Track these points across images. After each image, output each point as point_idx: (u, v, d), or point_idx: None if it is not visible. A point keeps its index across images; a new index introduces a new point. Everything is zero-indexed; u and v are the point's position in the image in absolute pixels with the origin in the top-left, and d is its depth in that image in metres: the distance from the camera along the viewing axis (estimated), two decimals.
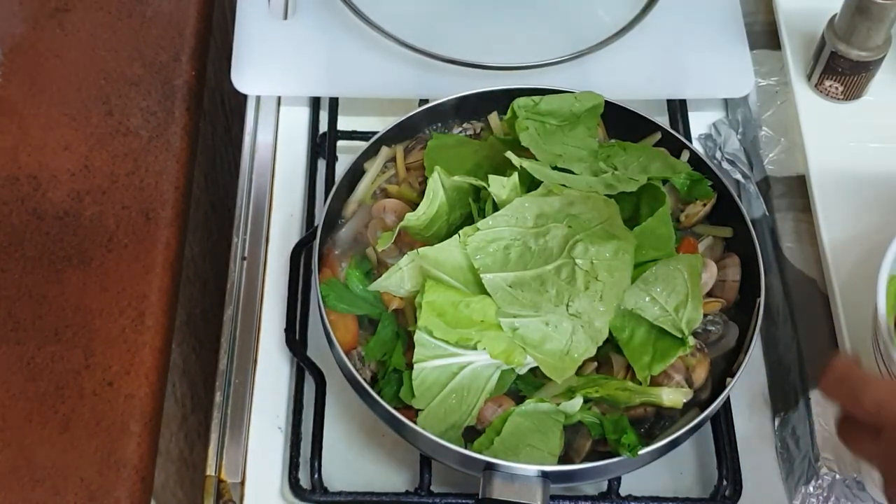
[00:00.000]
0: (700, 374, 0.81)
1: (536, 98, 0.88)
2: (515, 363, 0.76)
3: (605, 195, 0.82)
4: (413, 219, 0.81)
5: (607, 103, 0.92)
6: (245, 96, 1.03)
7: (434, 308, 0.76)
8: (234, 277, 0.95)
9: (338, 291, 0.83)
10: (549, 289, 0.77)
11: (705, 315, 0.83)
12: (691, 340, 0.80)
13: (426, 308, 0.76)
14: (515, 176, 0.81)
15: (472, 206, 0.82)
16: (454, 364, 0.77)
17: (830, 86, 0.99)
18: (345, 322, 0.82)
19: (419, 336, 0.76)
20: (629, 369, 0.80)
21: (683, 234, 0.88)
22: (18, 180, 0.91)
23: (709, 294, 0.84)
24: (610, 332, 0.79)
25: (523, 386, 0.79)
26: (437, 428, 0.76)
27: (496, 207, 0.80)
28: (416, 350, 0.76)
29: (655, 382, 0.79)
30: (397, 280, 0.79)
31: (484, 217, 0.80)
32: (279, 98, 1.05)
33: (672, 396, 0.79)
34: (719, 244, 0.88)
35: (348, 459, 0.87)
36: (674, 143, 0.91)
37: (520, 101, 0.87)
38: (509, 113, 0.87)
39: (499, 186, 0.80)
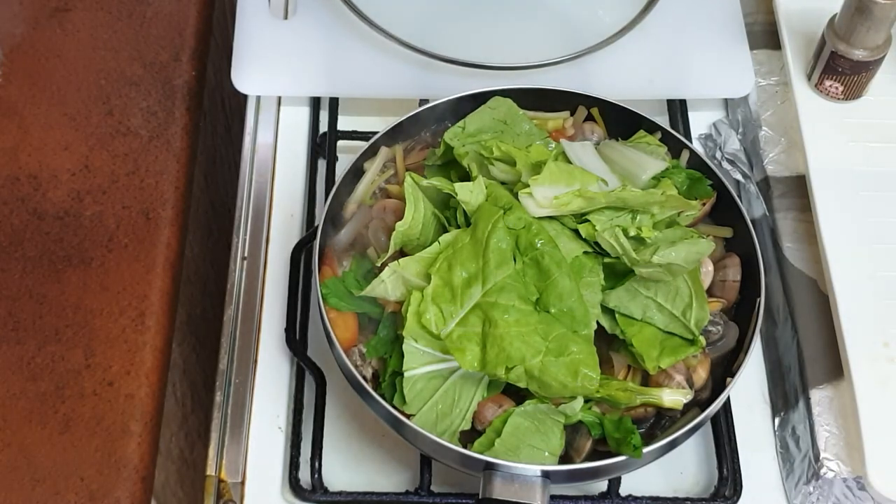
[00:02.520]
0: (701, 375, 0.81)
1: (461, 123, 0.87)
2: (491, 373, 0.76)
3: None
4: (403, 227, 0.81)
5: (607, 103, 0.92)
6: (245, 96, 1.03)
7: (419, 317, 0.76)
8: (234, 277, 0.95)
9: (338, 290, 0.83)
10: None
11: None
12: (702, 340, 0.80)
13: (411, 318, 0.76)
14: (482, 181, 0.80)
15: (440, 216, 0.82)
16: (444, 369, 0.77)
17: (830, 86, 0.99)
18: (345, 320, 0.82)
19: (407, 345, 0.76)
20: (630, 369, 0.80)
21: None
22: (19, 180, 0.91)
23: (708, 294, 0.84)
24: (604, 330, 0.79)
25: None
26: (430, 432, 0.76)
27: (466, 215, 0.80)
28: (404, 358, 0.76)
29: (656, 383, 0.80)
30: (382, 291, 0.79)
31: (455, 225, 0.80)
32: (279, 98, 1.05)
33: (673, 397, 0.78)
34: (719, 244, 0.88)
35: (348, 459, 0.87)
36: (674, 143, 0.90)
37: (448, 133, 0.87)
38: (442, 146, 0.86)
39: (466, 193, 0.80)
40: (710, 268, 0.85)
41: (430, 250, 0.78)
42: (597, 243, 0.79)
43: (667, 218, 0.82)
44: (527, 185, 0.79)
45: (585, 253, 0.79)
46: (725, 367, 0.82)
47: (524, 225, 0.78)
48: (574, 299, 0.76)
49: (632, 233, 0.78)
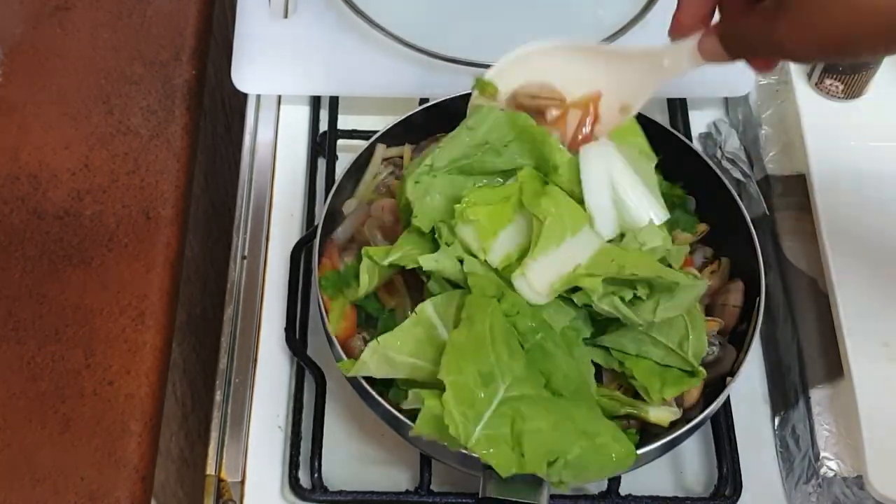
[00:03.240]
0: (693, 394, 0.80)
1: (428, 160, 0.78)
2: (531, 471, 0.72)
3: None
4: (356, 297, 0.80)
5: None
6: (245, 95, 1.03)
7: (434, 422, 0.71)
8: (234, 277, 0.95)
9: (337, 283, 0.83)
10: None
11: None
12: (703, 372, 0.78)
13: (425, 421, 0.71)
14: (446, 250, 0.76)
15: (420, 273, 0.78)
16: None
17: (831, 84, 0.99)
18: (341, 309, 0.82)
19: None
20: (621, 386, 0.80)
21: None
22: (19, 179, 0.91)
23: (707, 315, 0.84)
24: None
25: None
26: None
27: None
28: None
29: None
30: (364, 372, 0.75)
31: (431, 291, 0.77)
32: (279, 97, 1.05)
33: (658, 414, 0.78)
34: (725, 269, 0.88)
35: (348, 459, 0.87)
36: (674, 143, 0.90)
37: (412, 178, 0.78)
38: (402, 200, 0.79)
39: (432, 263, 0.76)
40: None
41: (408, 324, 0.75)
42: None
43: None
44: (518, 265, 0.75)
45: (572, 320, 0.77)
46: (719, 389, 0.81)
47: (518, 310, 0.75)
48: (580, 379, 0.75)
49: (628, 298, 0.75)
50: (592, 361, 0.78)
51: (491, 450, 0.70)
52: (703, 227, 0.89)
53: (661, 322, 0.76)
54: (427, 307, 0.75)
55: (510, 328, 0.74)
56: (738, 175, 0.99)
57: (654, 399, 0.77)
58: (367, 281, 0.79)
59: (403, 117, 0.91)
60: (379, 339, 0.74)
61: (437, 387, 0.71)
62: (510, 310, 0.74)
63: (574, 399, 0.74)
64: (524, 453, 0.70)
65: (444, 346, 0.72)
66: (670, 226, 0.86)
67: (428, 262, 0.76)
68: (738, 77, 1.03)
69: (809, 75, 1.00)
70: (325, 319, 0.80)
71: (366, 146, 0.90)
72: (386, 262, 0.78)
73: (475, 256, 0.76)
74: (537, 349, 0.74)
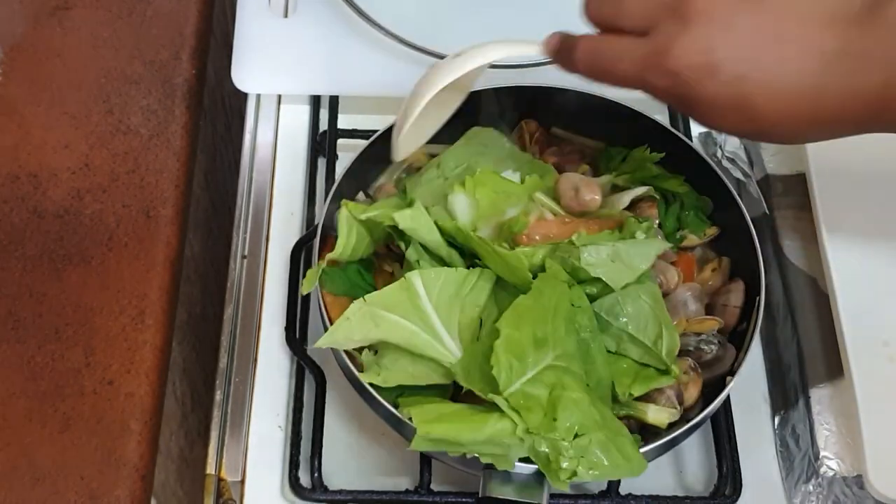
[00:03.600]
0: (692, 394, 0.80)
1: (436, 160, 0.88)
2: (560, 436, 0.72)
3: None
4: (336, 255, 0.81)
5: (608, 102, 0.92)
6: (245, 95, 1.03)
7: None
8: (234, 276, 0.95)
9: (335, 277, 0.83)
10: None
11: (699, 334, 0.83)
12: (675, 370, 0.79)
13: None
14: (420, 206, 0.79)
15: (398, 240, 0.81)
16: None
17: None
18: (342, 306, 0.82)
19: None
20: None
21: (680, 250, 0.89)
22: (19, 179, 0.91)
23: (708, 314, 0.85)
24: None
25: None
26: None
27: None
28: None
29: (644, 397, 0.79)
30: (345, 331, 0.76)
31: (406, 248, 0.80)
32: (279, 96, 1.05)
33: (657, 415, 0.78)
34: (726, 268, 0.88)
35: (348, 458, 0.87)
36: (674, 143, 0.90)
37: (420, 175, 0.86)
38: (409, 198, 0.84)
39: (407, 220, 0.78)
40: (674, 275, 0.85)
41: (395, 287, 0.76)
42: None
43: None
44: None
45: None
46: (719, 388, 0.81)
47: (581, 305, 0.77)
48: (607, 391, 0.77)
49: (579, 243, 0.78)
50: None
51: (524, 403, 0.71)
52: (712, 231, 0.89)
53: (637, 318, 0.78)
54: (414, 277, 0.76)
55: (572, 312, 0.76)
56: (738, 175, 0.99)
57: (620, 395, 0.78)
58: (345, 233, 0.79)
59: None
60: (366, 297, 0.75)
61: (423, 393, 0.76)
62: (577, 301, 0.76)
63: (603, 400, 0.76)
64: (556, 417, 0.71)
65: (428, 317, 0.75)
66: (677, 226, 0.89)
67: (403, 218, 0.78)
68: None
69: None
70: (326, 319, 0.80)
71: (366, 145, 0.90)
72: (363, 217, 0.79)
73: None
74: (584, 345, 0.76)
